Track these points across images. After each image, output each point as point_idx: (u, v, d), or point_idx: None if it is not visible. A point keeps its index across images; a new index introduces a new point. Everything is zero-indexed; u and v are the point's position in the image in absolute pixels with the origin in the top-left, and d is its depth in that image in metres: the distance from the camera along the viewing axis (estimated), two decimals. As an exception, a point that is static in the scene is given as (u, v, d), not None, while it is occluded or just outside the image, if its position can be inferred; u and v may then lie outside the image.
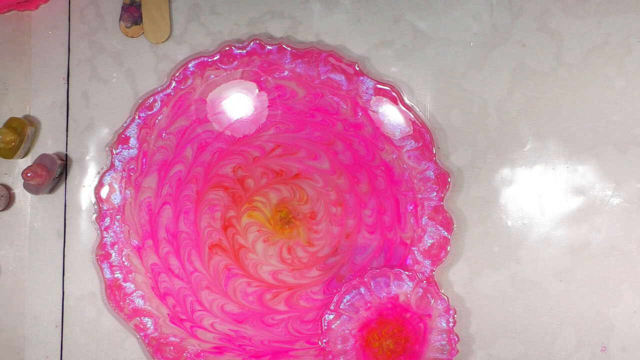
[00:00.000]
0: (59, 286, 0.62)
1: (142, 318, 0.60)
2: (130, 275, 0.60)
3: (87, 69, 0.63)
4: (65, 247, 0.62)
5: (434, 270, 0.57)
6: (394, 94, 0.59)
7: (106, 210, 0.60)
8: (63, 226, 0.63)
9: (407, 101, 0.59)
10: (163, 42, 0.62)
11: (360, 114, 0.59)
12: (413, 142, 0.59)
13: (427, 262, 0.58)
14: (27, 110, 0.64)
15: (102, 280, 0.60)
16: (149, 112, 0.60)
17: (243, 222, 0.60)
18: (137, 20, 0.63)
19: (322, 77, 0.60)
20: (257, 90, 0.60)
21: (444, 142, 0.60)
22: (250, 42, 0.60)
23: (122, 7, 0.63)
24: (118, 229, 0.60)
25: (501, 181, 0.59)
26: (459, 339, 0.56)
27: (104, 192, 0.60)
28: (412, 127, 0.59)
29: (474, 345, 0.59)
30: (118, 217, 0.60)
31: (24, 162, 0.63)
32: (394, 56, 0.60)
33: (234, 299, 0.60)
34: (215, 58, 0.60)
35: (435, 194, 0.58)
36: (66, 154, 0.63)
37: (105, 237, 0.60)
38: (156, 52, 0.63)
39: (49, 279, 0.62)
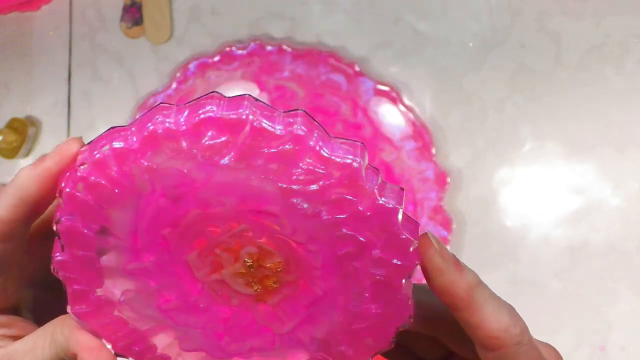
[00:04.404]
0: (60, 286, 0.62)
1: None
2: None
3: (88, 69, 0.63)
4: (67, 247, 0.63)
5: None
6: (393, 94, 0.59)
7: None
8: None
9: (406, 102, 0.59)
10: (164, 42, 0.63)
11: (360, 114, 0.60)
12: (412, 143, 0.59)
13: (427, 262, 0.58)
14: (28, 110, 0.64)
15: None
16: (150, 113, 0.60)
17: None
18: (138, 21, 0.63)
19: (322, 78, 0.60)
20: (257, 91, 0.61)
21: (443, 142, 0.60)
22: (251, 43, 0.60)
23: (123, 8, 0.63)
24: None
25: (500, 181, 0.59)
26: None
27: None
28: (411, 128, 0.59)
29: (473, 344, 0.59)
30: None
31: (25, 163, 0.64)
32: (394, 57, 0.61)
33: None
34: (215, 59, 0.60)
35: (434, 194, 0.58)
36: (67, 154, 0.63)
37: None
38: (157, 52, 0.63)
39: (51, 278, 0.62)
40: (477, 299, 0.20)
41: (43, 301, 0.26)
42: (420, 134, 0.59)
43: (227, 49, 0.60)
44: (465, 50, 0.60)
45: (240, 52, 0.60)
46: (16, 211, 0.21)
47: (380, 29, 0.61)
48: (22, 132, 0.61)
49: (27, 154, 0.63)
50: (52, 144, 0.63)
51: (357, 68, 0.59)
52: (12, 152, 0.62)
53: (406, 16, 0.61)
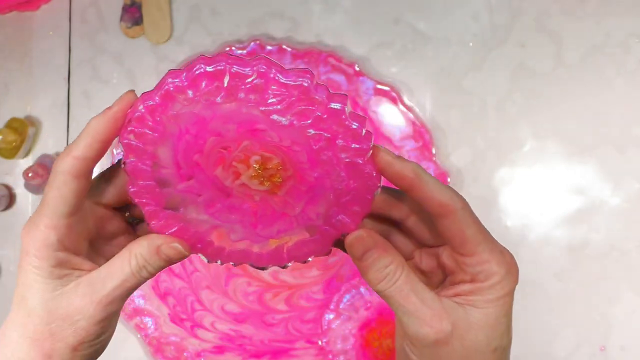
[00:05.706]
0: (59, 286, 0.62)
1: (142, 317, 0.60)
2: (130, 275, 0.60)
3: (88, 69, 0.63)
4: (66, 246, 0.62)
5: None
6: (393, 94, 0.59)
7: (107, 210, 0.61)
8: (64, 226, 0.63)
9: (406, 101, 0.59)
10: (164, 42, 0.63)
11: (360, 114, 0.60)
12: (413, 142, 0.59)
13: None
14: (28, 110, 0.64)
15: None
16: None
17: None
18: (138, 21, 0.63)
19: (322, 78, 0.60)
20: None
21: (443, 142, 0.60)
22: (251, 42, 0.60)
23: (122, 8, 0.63)
24: (119, 228, 0.60)
25: (500, 181, 0.59)
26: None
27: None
28: (411, 128, 0.59)
29: (473, 344, 0.59)
30: (119, 217, 0.61)
31: (25, 162, 0.64)
32: (394, 57, 0.61)
33: (234, 298, 0.60)
34: (215, 58, 0.61)
35: (434, 194, 0.58)
36: (67, 154, 0.63)
37: (106, 237, 0.60)
38: (157, 52, 0.63)
39: (50, 278, 0.62)
40: (423, 178, 0.26)
41: (94, 260, 0.29)
42: (420, 134, 0.59)
43: (227, 48, 0.60)
44: (465, 50, 0.60)
45: (240, 51, 0.60)
46: (90, 149, 0.26)
47: (380, 28, 0.61)
48: (22, 131, 0.61)
49: (26, 154, 0.63)
50: (51, 144, 0.63)
51: (357, 68, 0.59)
52: (11, 152, 0.62)
53: (406, 16, 0.61)
